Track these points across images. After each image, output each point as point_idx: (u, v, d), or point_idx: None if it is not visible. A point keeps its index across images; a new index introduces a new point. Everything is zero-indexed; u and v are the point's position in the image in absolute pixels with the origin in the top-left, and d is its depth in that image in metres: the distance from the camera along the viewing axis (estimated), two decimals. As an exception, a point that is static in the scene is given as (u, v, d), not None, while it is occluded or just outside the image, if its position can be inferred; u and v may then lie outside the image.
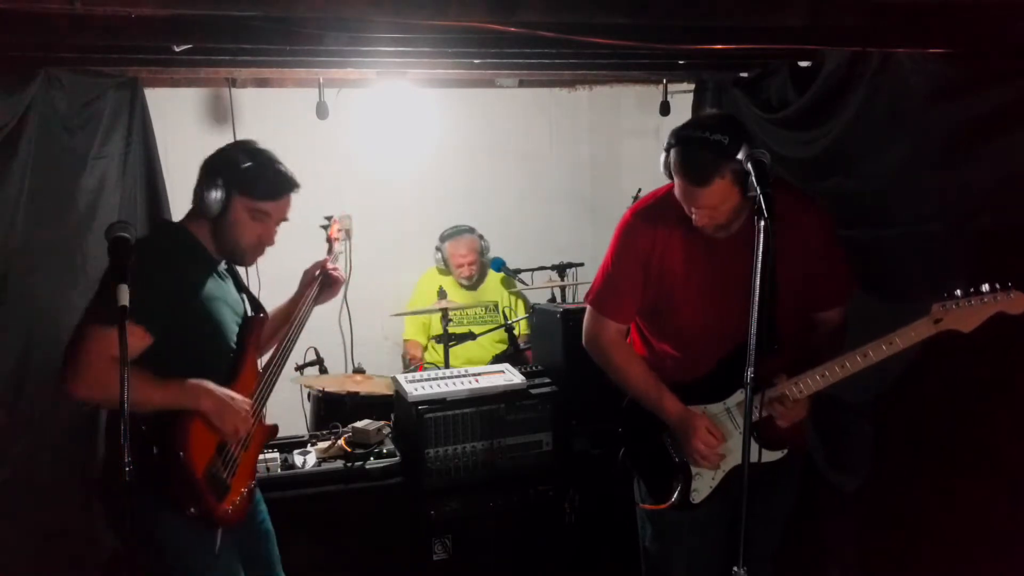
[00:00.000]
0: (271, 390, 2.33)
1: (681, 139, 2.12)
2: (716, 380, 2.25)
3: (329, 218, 2.84)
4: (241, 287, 2.38)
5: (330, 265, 2.58)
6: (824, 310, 2.36)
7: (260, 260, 2.39)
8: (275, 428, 2.43)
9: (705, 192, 2.06)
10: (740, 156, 2.00)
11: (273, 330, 2.46)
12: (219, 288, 2.22)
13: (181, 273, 2.08)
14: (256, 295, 2.45)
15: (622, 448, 2.47)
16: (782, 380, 2.16)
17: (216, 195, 2.12)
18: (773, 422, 2.17)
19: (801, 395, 2.15)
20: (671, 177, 2.19)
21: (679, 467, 2.31)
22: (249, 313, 2.33)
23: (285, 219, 2.25)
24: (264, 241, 2.22)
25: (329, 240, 2.77)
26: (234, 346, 2.24)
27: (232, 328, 2.23)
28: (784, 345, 1.98)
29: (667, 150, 2.16)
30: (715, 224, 2.13)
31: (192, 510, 2.06)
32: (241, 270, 2.45)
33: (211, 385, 2.09)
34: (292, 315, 2.46)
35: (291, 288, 2.61)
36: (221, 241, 2.20)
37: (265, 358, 2.41)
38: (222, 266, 2.28)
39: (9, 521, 2.75)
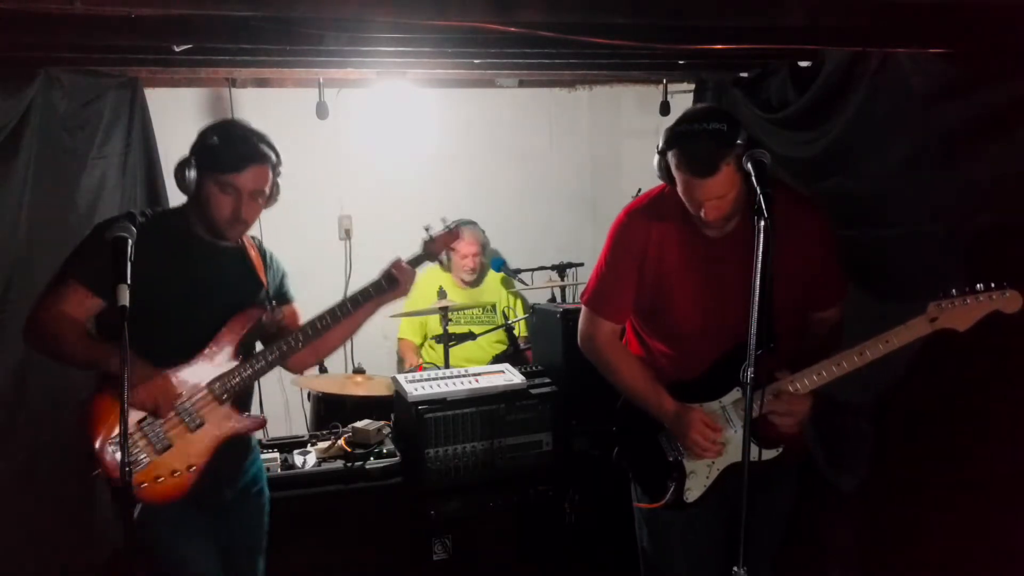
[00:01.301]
0: (250, 377, 2.25)
1: (679, 135, 2.10)
2: (712, 379, 2.25)
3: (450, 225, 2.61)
4: (254, 276, 2.33)
5: (402, 265, 2.45)
6: (820, 310, 2.36)
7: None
8: (252, 422, 2.31)
9: (713, 182, 2.04)
10: (740, 141, 2.02)
11: (263, 325, 2.38)
12: (198, 268, 2.22)
13: (145, 249, 2.01)
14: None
15: (616, 447, 2.47)
16: (784, 376, 2.16)
17: (190, 174, 2.17)
18: (769, 420, 2.17)
19: (798, 393, 2.16)
20: (667, 178, 2.18)
21: (673, 466, 2.31)
22: (258, 300, 2.32)
23: (262, 192, 2.21)
24: (240, 216, 2.19)
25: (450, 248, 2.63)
26: (201, 327, 2.21)
27: (200, 307, 2.21)
28: (780, 344, 1.98)
29: (663, 151, 2.15)
30: (722, 216, 2.11)
31: (96, 472, 2.09)
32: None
33: (129, 354, 1.99)
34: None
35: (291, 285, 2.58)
36: (202, 218, 2.22)
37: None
38: (219, 246, 2.26)
39: (9, 520, 2.75)
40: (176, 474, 2.17)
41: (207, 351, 2.21)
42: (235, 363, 2.25)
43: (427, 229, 2.60)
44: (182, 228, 2.24)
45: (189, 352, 2.20)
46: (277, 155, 2.24)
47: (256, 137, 2.22)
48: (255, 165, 2.18)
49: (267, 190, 2.23)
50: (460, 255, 4.50)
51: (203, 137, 2.21)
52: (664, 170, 2.18)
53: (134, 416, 2.11)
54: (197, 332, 2.21)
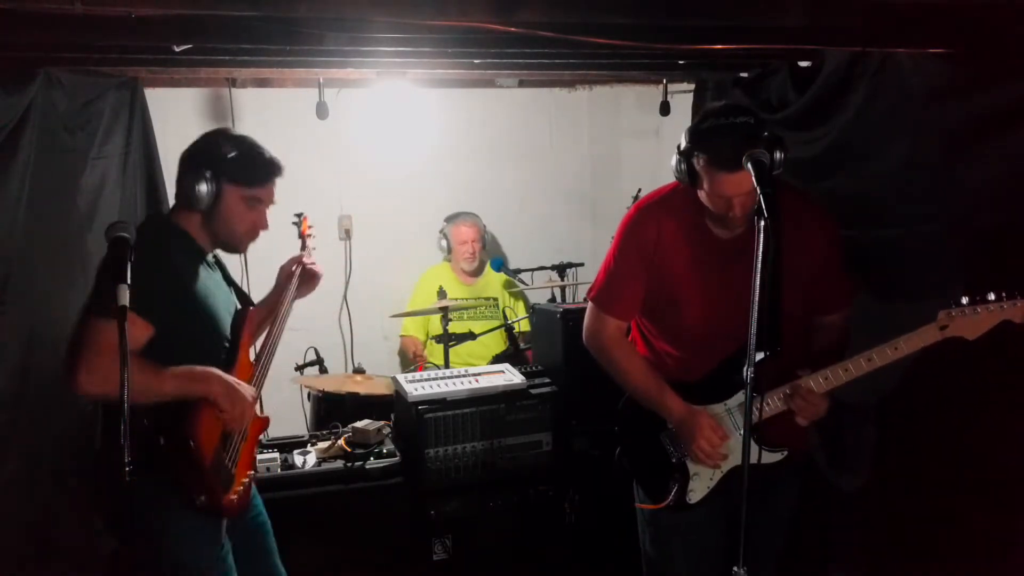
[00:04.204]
0: (262, 384, 2.32)
1: (706, 131, 2.08)
2: (717, 380, 2.25)
3: (299, 215, 2.83)
4: (229, 280, 2.37)
5: (307, 260, 2.58)
6: (827, 314, 2.35)
7: (256, 258, 2.38)
8: (267, 420, 2.43)
9: (746, 176, 1.98)
10: (766, 134, 2.02)
11: (256, 325, 2.45)
12: (211, 279, 2.23)
13: (175, 264, 2.07)
14: (248, 292, 2.45)
15: (618, 448, 2.47)
16: (805, 374, 2.15)
17: (206, 187, 2.12)
18: (773, 423, 2.16)
19: (812, 392, 2.15)
20: (688, 179, 2.15)
21: (676, 467, 2.30)
22: (238, 305, 2.34)
23: (273, 202, 2.25)
24: (259, 226, 2.24)
25: (301, 236, 2.77)
26: (228, 337, 2.24)
27: (226, 319, 2.23)
28: (786, 348, 1.97)
29: (688, 152, 2.12)
30: (748, 214, 2.09)
31: (202, 499, 2.05)
32: (231, 265, 2.45)
33: (218, 371, 2.10)
34: (274, 312, 2.46)
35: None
36: (215, 231, 2.20)
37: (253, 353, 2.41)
38: (210, 257, 2.28)
39: (10, 521, 2.75)
40: (245, 483, 2.21)
41: (240, 359, 2.22)
42: (253, 367, 2.28)
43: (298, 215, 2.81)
44: (188, 241, 2.21)
45: (226, 362, 2.20)
46: None
47: (264, 148, 2.23)
48: (278, 177, 2.22)
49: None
50: (459, 241, 4.52)
51: (217, 148, 2.17)
52: (685, 171, 2.15)
53: (217, 434, 2.12)
54: (221, 341, 2.23)
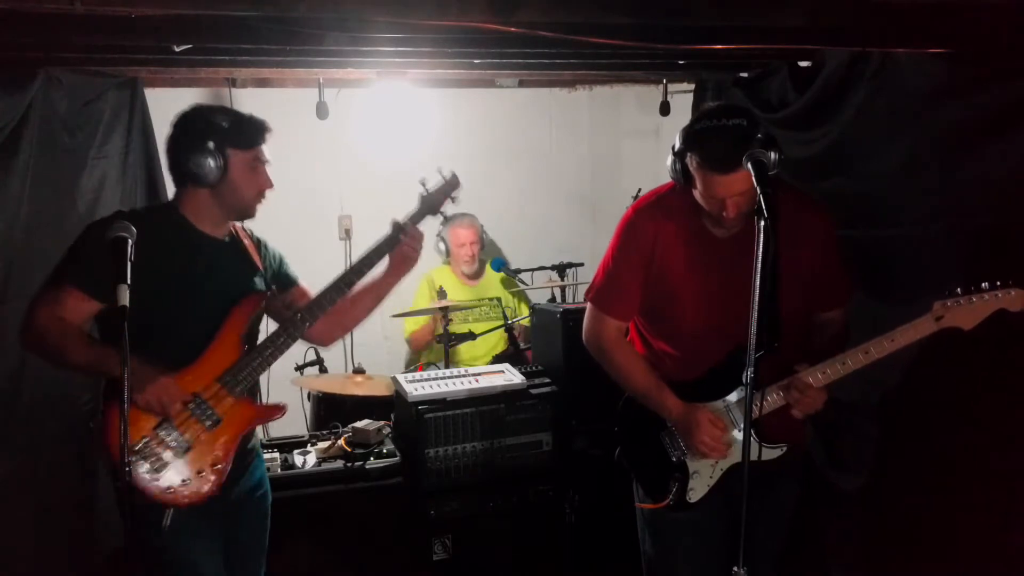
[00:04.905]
0: (260, 365, 2.24)
1: (700, 132, 2.08)
2: (715, 379, 2.25)
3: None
4: (249, 263, 2.33)
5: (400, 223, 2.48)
6: (825, 311, 2.35)
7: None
8: (269, 409, 2.32)
9: (736, 177, 2.00)
10: (759, 135, 2.01)
11: (278, 308, 2.42)
12: (198, 262, 2.19)
13: (143, 247, 1.97)
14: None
15: (618, 448, 2.47)
16: (803, 369, 2.15)
17: (213, 161, 2.13)
18: (770, 418, 2.16)
19: (811, 386, 2.15)
20: (683, 178, 2.16)
21: (676, 466, 2.30)
22: (255, 288, 2.30)
23: (269, 160, 2.25)
24: (265, 186, 2.24)
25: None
26: (204, 323, 2.19)
27: (206, 304, 2.19)
28: (785, 345, 1.97)
29: (681, 151, 2.13)
30: (743, 213, 2.09)
31: (118, 483, 2.03)
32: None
33: (129, 356, 1.97)
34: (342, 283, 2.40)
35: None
36: (226, 202, 2.19)
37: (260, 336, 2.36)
38: (221, 242, 2.25)
39: (9, 518, 2.75)
40: (202, 473, 2.15)
41: (213, 345, 2.19)
42: (242, 354, 2.23)
43: (423, 183, 2.59)
44: (177, 223, 2.20)
45: (198, 349, 2.18)
46: None
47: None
48: (269, 133, 2.24)
49: None
50: (458, 244, 4.51)
51: (209, 121, 2.17)
52: (680, 171, 2.16)
53: (150, 421, 2.09)
54: (203, 328, 2.19)
